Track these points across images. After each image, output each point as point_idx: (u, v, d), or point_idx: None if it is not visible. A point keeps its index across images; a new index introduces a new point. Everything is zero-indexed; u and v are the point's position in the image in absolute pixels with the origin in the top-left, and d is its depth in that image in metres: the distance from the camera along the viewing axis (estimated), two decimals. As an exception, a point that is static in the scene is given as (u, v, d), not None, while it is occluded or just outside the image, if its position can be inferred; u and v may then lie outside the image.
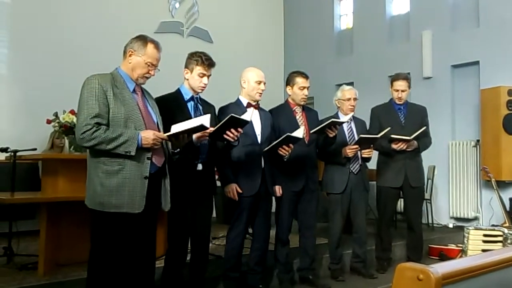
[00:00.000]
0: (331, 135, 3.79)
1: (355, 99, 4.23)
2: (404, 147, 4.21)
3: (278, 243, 3.86)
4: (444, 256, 5.08)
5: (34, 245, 3.89)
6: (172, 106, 3.07)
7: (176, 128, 2.68)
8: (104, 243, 2.56)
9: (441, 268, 0.98)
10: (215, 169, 3.40)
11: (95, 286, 2.57)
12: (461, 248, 4.77)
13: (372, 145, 4.15)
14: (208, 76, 3.17)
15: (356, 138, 4.10)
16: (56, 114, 4.23)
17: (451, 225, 6.47)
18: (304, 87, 3.87)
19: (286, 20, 9.02)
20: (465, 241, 4.48)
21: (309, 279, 4.00)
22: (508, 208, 5.45)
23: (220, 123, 2.99)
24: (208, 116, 2.86)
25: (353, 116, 4.23)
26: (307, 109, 4.12)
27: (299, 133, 3.51)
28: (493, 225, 5.24)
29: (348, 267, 4.48)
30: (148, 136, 2.55)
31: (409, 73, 5.14)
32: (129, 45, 2.69)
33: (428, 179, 5.96)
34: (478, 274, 1.05)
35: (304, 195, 3.87)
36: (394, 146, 4.23)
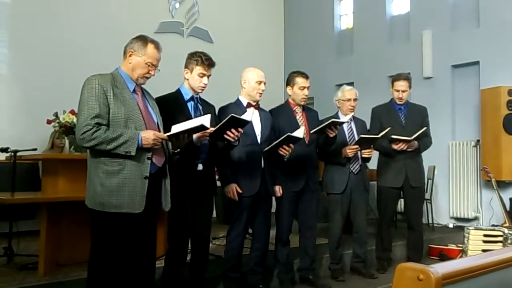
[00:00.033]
0: (331, 135, 3.79)
1: (355, 99, 4.23)
2: (405, 148, 4.21)
3: (278, 243, 3.86)
4: (444, 256, 5.08)
5: (34, 245, 3.88)
6: (172, 106, 3.07)
7: (176, 128, 2.68)
8: (104, 243, 2.56)
9: (441, 268, 0.97)
10: (215, 169, 3.41)
11: (95, 286, 2.57)
12: (461, 248, 4.77)
13: (372, 145, 4.15)
14: (208, 76, 3.17)
15: (356, 138, 4.11)
16: (56, 114, 4.24)
17: (451, 225, 6.47)
18: (304, 87, 3.87)
19: (286, 20, 9.02)
20: (465, 241, 4.49)
21: (309, 279, 4.00)
22: (508, 208, 5.45)
23: (221, 123, 2.99)
24: (208, 116, 2.86)
25: (353, 116, 4.23)
26: (307, 109, 4.12)
27: (300, 133, 3.51)
28: (493, 225, 5.23)
29: (348, 267, 4.48)
30: (148, 136, 2.55)
31: (409, 73, 5.13)
32: (129, 45, 2.69)
33: (428, 179, 5.96)
34: (478, 274, 1.05)
35: (305, 195, 3.87)
36: (394, 146, 4.23)
